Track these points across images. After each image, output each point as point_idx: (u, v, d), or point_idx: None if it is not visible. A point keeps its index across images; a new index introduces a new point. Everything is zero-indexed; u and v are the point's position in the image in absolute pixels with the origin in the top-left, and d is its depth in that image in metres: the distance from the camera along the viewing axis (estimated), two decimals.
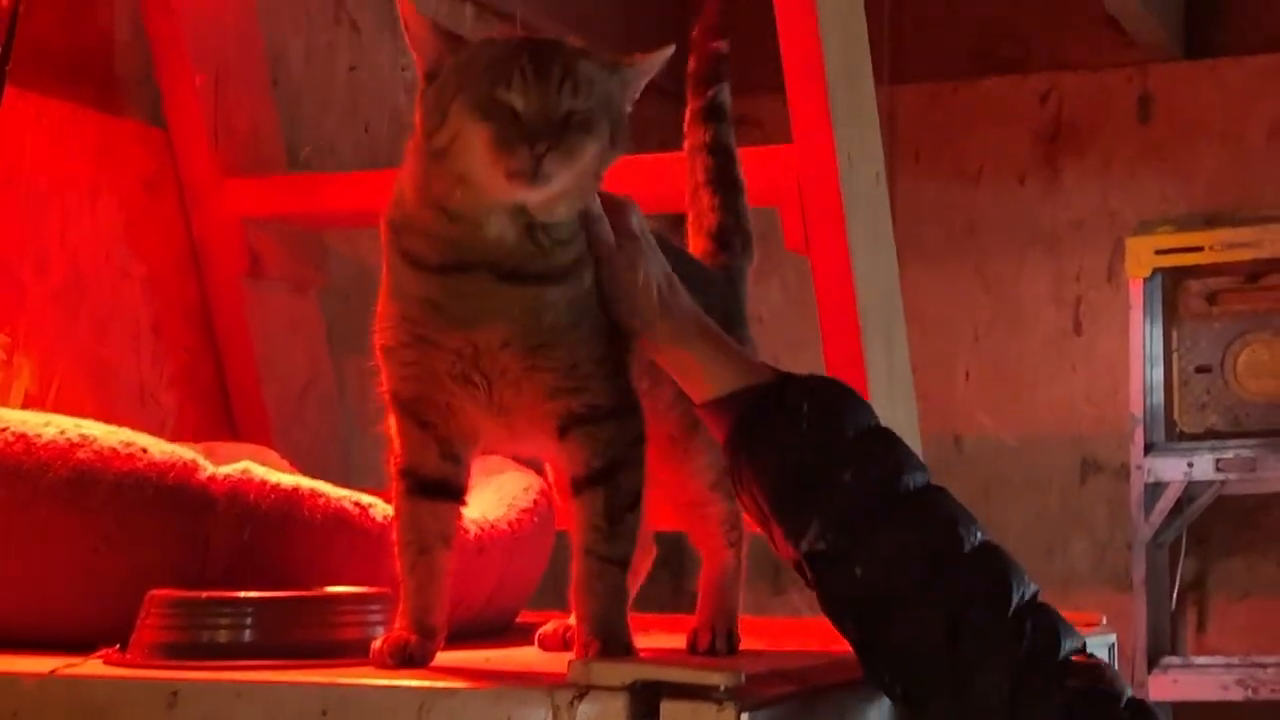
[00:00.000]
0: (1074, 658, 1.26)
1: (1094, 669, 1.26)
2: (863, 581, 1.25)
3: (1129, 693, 1.27)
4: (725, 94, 1.67)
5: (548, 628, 1.52)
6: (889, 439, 1.34)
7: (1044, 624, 1.25)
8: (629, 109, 1.35)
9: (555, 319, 1.34)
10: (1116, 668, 2.04)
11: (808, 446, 1.30)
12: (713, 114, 1.66)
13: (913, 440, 2.33)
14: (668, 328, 1.37)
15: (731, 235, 1.65)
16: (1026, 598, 1.26)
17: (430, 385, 1.36)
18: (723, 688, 1.14)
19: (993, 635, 1.23)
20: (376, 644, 1.34)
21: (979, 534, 1.29)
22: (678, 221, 1.76)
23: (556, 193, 1.30)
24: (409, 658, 1.33)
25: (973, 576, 1.26)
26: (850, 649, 1.33)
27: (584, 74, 1.30)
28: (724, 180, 1.66)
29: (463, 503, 1.41)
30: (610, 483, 1.35)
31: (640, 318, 1.37)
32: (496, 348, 1.34)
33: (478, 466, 1.45)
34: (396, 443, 1.40)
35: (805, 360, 1.89)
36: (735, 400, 1.34)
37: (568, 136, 1.28)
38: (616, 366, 1.37)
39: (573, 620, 1.47)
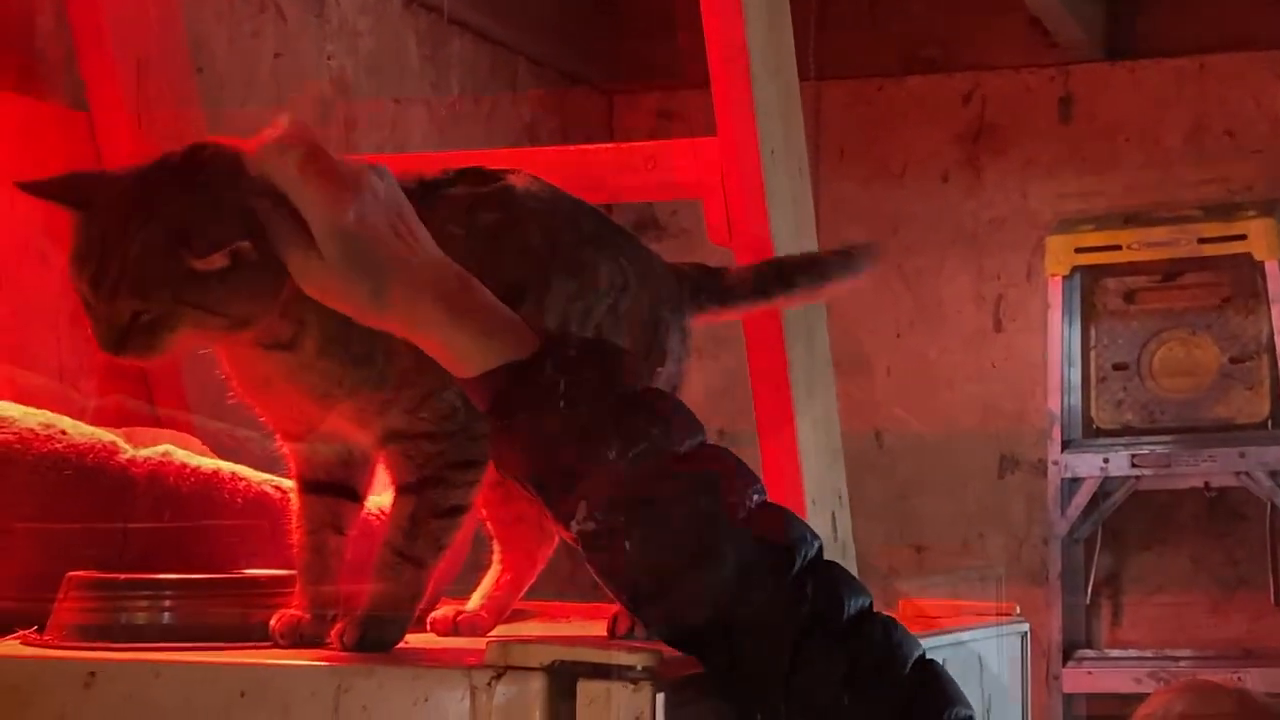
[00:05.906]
0: (864, 616, 1.22)
1: (881, 630, 1.22)
2: (633, 557, 1.20)
3: (918, 653, 1.22)
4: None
5: (438, 612, 1.52)
6: (655, 406, 1.25)
7: (826, 586, 1.21)
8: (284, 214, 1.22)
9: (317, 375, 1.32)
10: (1029, 657, 2.07)
11: (567, 428, 1.22)
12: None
13: (833, 436, 2.35)
14: (401, 293, 1.22)
15: (716, 277, 1.62)
16: (809, 557, 1.22)
17: None
18: (639, 667, 1.15)
19: (770, 602, 1.19)
20: (272, 623, 1.34)
21: (756, 495, 1.23)
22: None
23: (177, 349, 1.27)
24: (301, 637, 1.33)
25: (748, 542, 1.20)
26: None
27: (148, 271, 1.23)
28: (768, 274, 1.71)
29: (359, 503, 1.40)
30: (422, 495, 1.33)
31: (362, 284, 1.22)
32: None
33: None
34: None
35: (729, 357, 1.90)
36: (492, 379, 1.24)
37: (139, 338, 1.24)
38: (425, 391, 1.32)
39: (469, 605, 1.49)
